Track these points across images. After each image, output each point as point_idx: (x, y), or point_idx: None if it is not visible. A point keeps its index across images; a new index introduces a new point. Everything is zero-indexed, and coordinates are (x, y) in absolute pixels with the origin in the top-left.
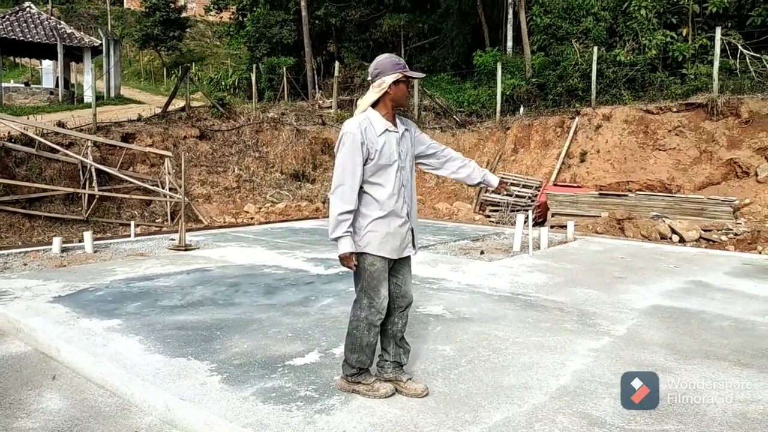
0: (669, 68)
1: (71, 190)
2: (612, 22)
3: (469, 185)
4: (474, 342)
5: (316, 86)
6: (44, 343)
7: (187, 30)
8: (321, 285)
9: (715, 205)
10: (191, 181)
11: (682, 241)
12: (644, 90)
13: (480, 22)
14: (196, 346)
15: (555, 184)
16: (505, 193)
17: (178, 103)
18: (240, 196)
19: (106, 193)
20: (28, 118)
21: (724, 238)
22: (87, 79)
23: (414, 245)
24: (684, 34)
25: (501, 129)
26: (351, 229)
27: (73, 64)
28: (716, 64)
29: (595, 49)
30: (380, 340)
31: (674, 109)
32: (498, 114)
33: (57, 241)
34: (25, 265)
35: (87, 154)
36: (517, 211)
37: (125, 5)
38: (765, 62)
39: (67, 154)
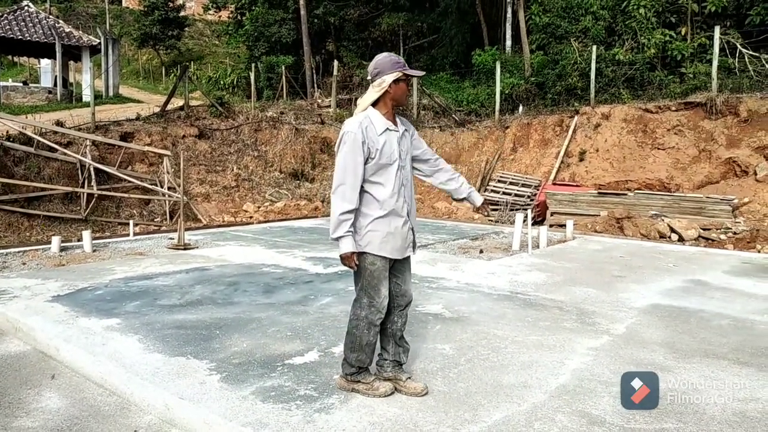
0: (668, 67)
1: (70, 189)
2: (611, 21)
3: (453, 199)
4: (473, 341)
5: (315, 85)
6: (43, 342)
7: (186, 29)
8: (320, 284)
9: (714, 204)
10: (190, 180)
11: (681, 240)
12: (643, 89)
13: (479, 21)
14: (196, 345)
15: (554, 183)
16: (486, 214)
17: (176, 102)
18: (239, 195)
19: (104, 192)
20: (26, 117)
21: (723, 236)
22: (85, 78)
23: (414, 246)
24: (683, 33)
25: (500, 128)
26: (352, 229)
27: (71, 63)
28: (715, 63)
29: (594, 48)
30: (380, 339)
31: (673, 108)
32: (497, 113)
33: (56, 241)
34: (24, 264)
35: (86, 153)
36: (517, 210)
37: (123, 4)
38: (764, 61)
39: (65, 153)
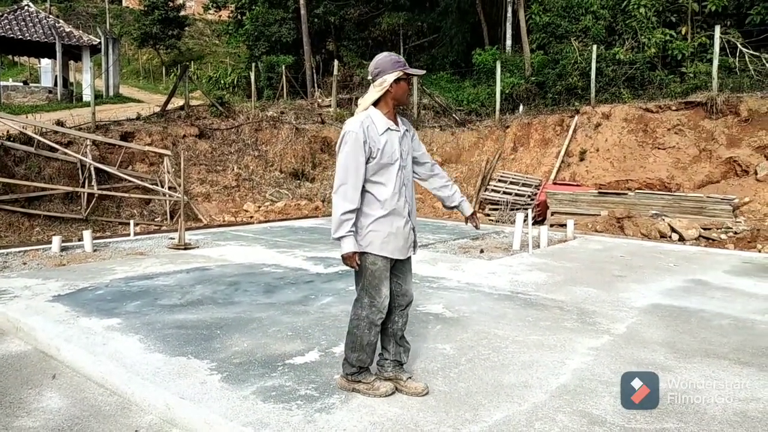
0: (668, 67)
1: (70, 189)
2: (611, 21)
3: (445, 206)
4: (474, 341)
5: (315, 85)
6: (44, 342)
7: (186, 28)
8: (320, 284)
9: (715, 204)
10: (190, 179)
11: (681, 239)
12: (643, 88)
13: (479, 20)
14: (196, 345)
15: (554, 183)
16: (475, 225)
17: (177, 102)
18: (239, 194)
19: (105, 192)
20: (27, 117)
21: (723, 236)
22: (86, 78)
23: (415, 246)
24: (683, 32)
25: (500, 127)
26: (354, 229)
27: (71, 62)
28: (715, 62)
29: (595, 47)
30: (380, 339)
31: (673, 108)
32: (497, 112)
33: (56, 240)
34: (25, 264)
35: (86, 152)
36: (517, 209)
37: (124, 3)
38: (764, 61)
39: (66, 153)
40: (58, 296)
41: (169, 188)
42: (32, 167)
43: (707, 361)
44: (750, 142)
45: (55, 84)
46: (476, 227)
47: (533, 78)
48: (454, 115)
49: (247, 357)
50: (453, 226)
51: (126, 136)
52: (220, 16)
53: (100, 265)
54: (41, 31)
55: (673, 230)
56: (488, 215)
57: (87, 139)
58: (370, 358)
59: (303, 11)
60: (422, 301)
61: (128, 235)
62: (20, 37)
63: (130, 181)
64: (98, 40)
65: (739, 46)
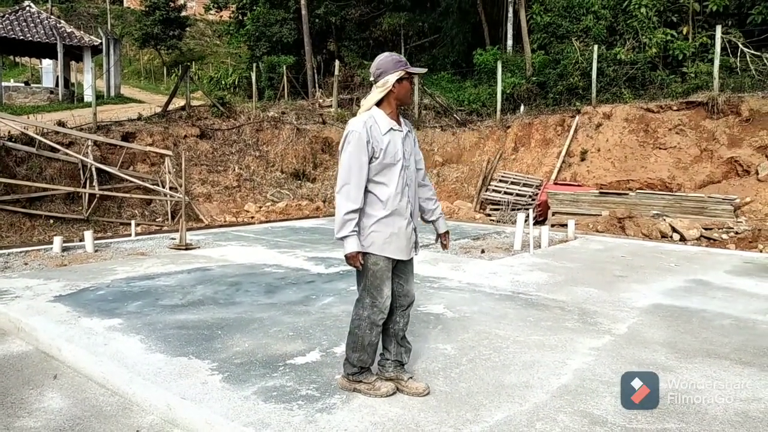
0: (669, 67)
1: (72, 189)
2: (612, 21)
3: (422, 218)
4: (475, 341)
5: (317, 85)
6: (45, 342)
7: (187, 29)
8: (322, 284)
9: (716, 204)
10: (192, 180)
11: (682, 239)
12: (645, 88)
13: (480, 20)
14: (197, 345)
15: (555, 183)
16: (443, 246)
17: (178, 102)
18: (240, 195)
19: (106, 193)
20: (28, 118)
21: (724, 236)
22: (87, 79)
23: (416, 246)
24: (684, 32)
25: (501, 128)
26: (357, 229)
27: (73, 63)
28: (716, 62)
29: (596, 47)
30: (382, 339)
31: (675, 108)
32: (498, 113)
33: (58, 241)
34: (26, 264)
35: (87, 153)
36: (518, 209)
37: (125, 4)
38: (765, 60)
39: (67, 154)
40: (60, 296)
41: (170, 188)
42: (34, 167)
43: (708, 361)
44: (751, 142)
45: (57, 84)
46: (444, 247)
47: (534, 78)
48: (455, 115)
49: (249, 357)
50: (454, 226)
51: (127, 137)
52: (221, 16)
53: (101, 266)
54: (42, 31)
55: (675, 230)
56: (489, 215)
57: (88, 139)
58: (371, 359)
59: (304, 11)
60: (423, 302)
61: (129, 235)
62: (21, 37)
63: (131, 182)
64: (99, 41)
65: (741, 45)
